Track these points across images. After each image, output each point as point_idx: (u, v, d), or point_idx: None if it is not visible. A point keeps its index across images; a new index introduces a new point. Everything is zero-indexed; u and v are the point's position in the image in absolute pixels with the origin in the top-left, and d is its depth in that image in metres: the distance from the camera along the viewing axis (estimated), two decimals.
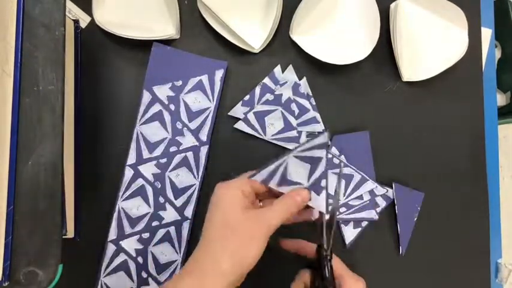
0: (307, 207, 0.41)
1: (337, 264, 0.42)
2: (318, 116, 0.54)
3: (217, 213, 0.38)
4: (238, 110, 0.54)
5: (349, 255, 0.54)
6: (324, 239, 0.41)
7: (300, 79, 0.55)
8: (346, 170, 0.54)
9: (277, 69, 0.55)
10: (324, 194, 0.40)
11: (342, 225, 0.54)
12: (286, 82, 0.54)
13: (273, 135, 0.53)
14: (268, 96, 0.54)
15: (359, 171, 0.54)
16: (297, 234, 0.45)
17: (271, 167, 0.40)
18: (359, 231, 0.54)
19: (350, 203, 0.54)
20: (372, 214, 0.54)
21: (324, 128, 0.54)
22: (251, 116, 0.53)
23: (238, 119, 0.54)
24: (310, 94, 0.55)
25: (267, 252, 0.36)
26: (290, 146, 0.53)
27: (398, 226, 0.55)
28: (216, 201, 0.39)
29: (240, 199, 0.38)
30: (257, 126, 0.53)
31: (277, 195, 0.41)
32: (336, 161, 0.54)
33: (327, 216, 0.41)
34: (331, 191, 0.41)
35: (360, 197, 0.54)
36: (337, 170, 0.53)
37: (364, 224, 0.54)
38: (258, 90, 0.55)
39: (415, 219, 0.55)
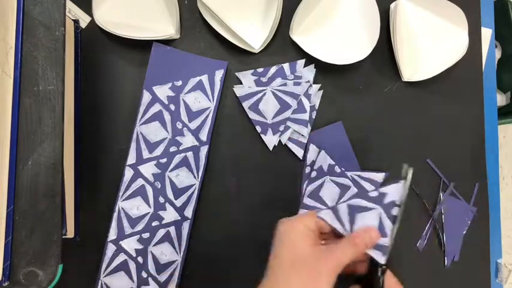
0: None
1: (390, 280, 0.41)
2: (310, 122, 0.55)
3: (284, 249, 0.38)
4: (246, 76, 0.55)
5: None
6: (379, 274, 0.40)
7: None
8: (343, 181, 0.54)
9: (301, 62, 0.55)
10: (385, 248, 0.40)
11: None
12: (301, 77, 0.54)
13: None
14: (280, 81, 0.54)
15: (349, 173, 0.54)
16: None
17: (339, 206, 0.40)
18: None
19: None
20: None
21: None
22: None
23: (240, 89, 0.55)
24: (316, 107, 0.55)
25: None
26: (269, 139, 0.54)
27: (444, 238, 0.55)
28: (282, 237, 0.38)
29: (306, 235, 0.38)
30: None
31: (340, 236, 0.40)
32: (337, 169, 0.54)
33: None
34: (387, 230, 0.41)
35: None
36: (337, 178, 0.53)
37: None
38: (273, 69, 0.55)
39: (464, 232, 0.56)
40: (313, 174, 0.54)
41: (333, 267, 0.36)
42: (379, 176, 0.53)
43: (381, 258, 0.39)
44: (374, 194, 0.41)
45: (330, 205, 0.53)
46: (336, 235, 0.41)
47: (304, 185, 0.54)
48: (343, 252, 0.37)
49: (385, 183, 0.41)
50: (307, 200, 0.53)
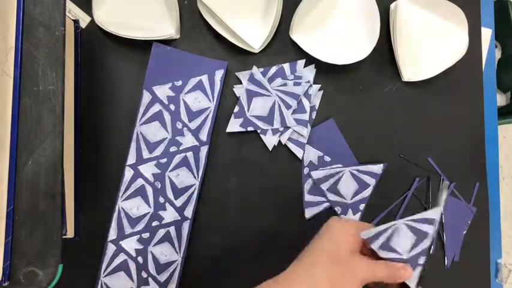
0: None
1: None
2: (310, 122, 0.55)
3: (327, 242, 0.39)
4: (246, 76, 0.55)
5: None
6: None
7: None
8: (335, 170, 0.55)
9: (301, 62, 0.56)
10: (418, 271, 0.39)
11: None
12: (301, 77, 0.54)
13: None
14: (281, 82, 0.54)
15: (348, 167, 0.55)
16: None
17: (382, 227, 0.39)
18: None
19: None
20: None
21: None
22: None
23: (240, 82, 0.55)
24: (316, 108, 0.55)
25: None
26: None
27: (444, 238, 0.55)
28: (329, 231, 0.39)
29: (352, 239, 0.38)
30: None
31: (377, 256, 0.40)
32: (327, 158, 0.55)
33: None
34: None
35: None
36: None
37: None
38: (273, 69, 0.55)
39: (464, 232, 0.56)
40: (306, 170, 0.54)
41: (366, 275, 0.37)
42: (377, 168, 0.54)
43: (413, 283, 0.40)
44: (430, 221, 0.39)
45: (329, 197, 0.54)
46: (373, 254, 0.41)
47: (304, 184, 0.54)
48: (378, 268, 0.38)
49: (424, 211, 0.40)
50: (307, 197, 0.54)
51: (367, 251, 0.41)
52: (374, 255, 0.40)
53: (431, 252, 0.55)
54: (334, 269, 0.37)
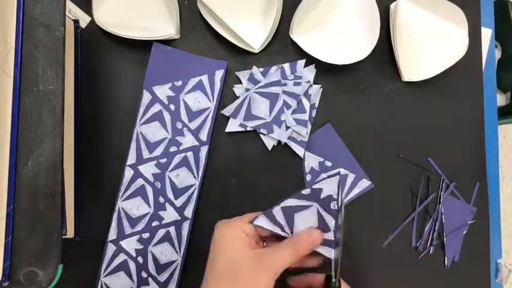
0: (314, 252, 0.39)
1: None
2: (310, 121, 0.55)
3: (219, 254, 0.36)
4: (246, 76, 0.55)
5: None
6: (332, 272, 0.39)
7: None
8: (342, 171, 0.55)
9: (301, 62, 0.56)
10: (332, 242, 0.39)
11: None
12: (301, 77, 0.54)
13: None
14: (281, 82, 0.54)
15: (348, 169, 0.55)
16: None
17: (274, 210, 0.40)
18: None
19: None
20: None
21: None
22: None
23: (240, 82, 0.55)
24: (316, 106, 0.55)
25: None
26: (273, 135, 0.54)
27: (444, 238, 0.55)
28: (218, 241, 0.37)
29: (243, 239, 0.36)
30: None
31: (281, 238, 0.39)
32: (327, 163, 0.55)
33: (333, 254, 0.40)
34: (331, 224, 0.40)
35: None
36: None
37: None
38: (273, 69, 0.55)
39: (464, 232, 0.56)
40: (308, 177, 0.54)
41: (272, 270, 0.34)
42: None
43: (330, 253, 0.39)
44: (307, 191, 0.41)
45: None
46: (277, 237, 0.40)
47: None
48: (283, 255, 0.35)
49: (320, 180, 0.41)
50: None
51: (269, 239, 0.39)
52: (279, 237, 0.39)
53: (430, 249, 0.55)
54: (232, 282, 0.34)
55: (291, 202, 0.41)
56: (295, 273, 0.43)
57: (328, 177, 0.41)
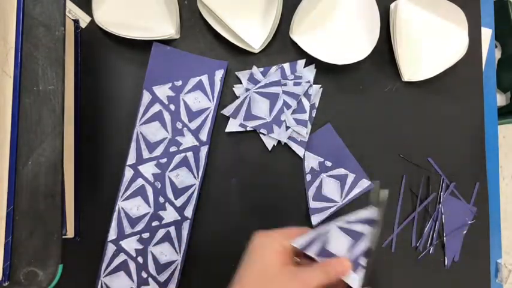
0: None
1: None
2: (310, 121, 0.55)
3: (255, 262, 0.37)
4: (246, 76, 0.55)
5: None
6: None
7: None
8: (342, 171, 0.54)
9: (301, 62, 0.56)
10: (360, 272, 0.37)
11: None
12: (301, 77, 0.54)
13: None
14: (281, 82, 0.54)
15: (348, 170, 0.55)
16: None
17: (314, 234, 0.38)
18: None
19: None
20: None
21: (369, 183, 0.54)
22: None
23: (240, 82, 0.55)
24: (316, 106, 0.55)
25: None
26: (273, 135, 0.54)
27: (444, 238, 0.55)
28: (255, 250, 0.37)
29: (280, 252, 0.37)
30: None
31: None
32: (327, 163, 0.55)
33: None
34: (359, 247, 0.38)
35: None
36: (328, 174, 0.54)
37: None
38: (273, 69, 0.55)
39: (464, 232, 0.56)
40: (308, 177, 0.54)
41: (304, 286, 0.35)
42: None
43: (355, 280, 0.37)
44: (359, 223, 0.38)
45: (336, 199, 0.54)
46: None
47: (308, 192, 0.54)
48: (312, 276, 0.35)
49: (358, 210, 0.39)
50: (312, 204, 0.54)
51: (304, 257, 0.39)
52: (313, 261, 0.38)
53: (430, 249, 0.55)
54: None
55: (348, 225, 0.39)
56: None
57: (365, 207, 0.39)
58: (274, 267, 0.36)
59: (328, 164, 0.54)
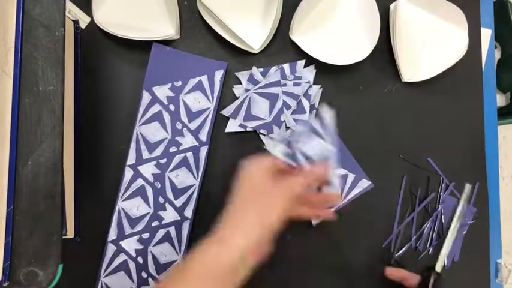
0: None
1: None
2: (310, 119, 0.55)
3: (245, 181, 0.41)
4: (246, 76, 0.55)
5: None
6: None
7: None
8: (342, 171, 0.54)
9: (301, 62, 0.56)
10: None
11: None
12: (301, 77, 0.54)
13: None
14: (280, 82, 0.54)
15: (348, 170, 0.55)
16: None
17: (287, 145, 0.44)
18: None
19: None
20: None
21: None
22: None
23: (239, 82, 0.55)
24: (316, 106, 0.55)
25: None
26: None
27: (444, 238, 0.55)
28: (244, 173, 0.41)
29: (266, 171, 0.41)
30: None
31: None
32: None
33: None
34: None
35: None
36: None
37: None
38: (273, 70, 0.55)
39: (464, 232, 0.56)
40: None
41: (286, 191, 0.40)
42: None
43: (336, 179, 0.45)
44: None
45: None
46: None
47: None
48: (295, 180, 0.41)
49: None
50: None
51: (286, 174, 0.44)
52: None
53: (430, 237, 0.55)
54: (256, 200, 0.39)
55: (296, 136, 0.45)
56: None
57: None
58: (262, 180, 0.40)
59: None
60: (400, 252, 0.55)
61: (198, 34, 0.56)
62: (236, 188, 0.41)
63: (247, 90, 0.54)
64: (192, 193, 0.53)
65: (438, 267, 0.50)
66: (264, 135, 0.54)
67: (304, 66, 0.56)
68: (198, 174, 0.53)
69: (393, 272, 0.50)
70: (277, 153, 0.44)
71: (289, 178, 0.41)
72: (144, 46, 0.54)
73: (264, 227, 0.38)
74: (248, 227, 0.38)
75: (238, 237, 0.37)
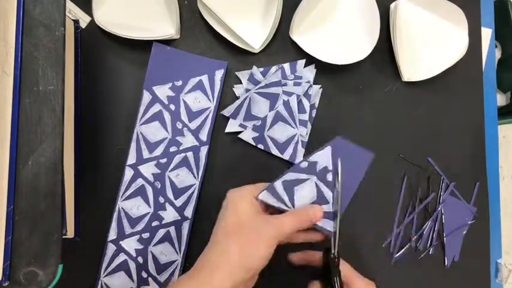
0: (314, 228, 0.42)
1: (346, 269, 0.42)
2: (310, 121, 0.54)
3: (230, 214, 0.39)
4: (246, 76, 0.55)
5: None
6: (332, 244, 0.41)
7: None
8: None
9: (301, 62, 0.55)
10: (331, 205, 0.41)
11: None
12: (301, 77, 0.54)
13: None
14: (281, 82, 0.54)
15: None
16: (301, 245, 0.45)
17: (275, 185, 0.41)
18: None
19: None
20: None
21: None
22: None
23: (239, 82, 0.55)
24: (316, 106, 0.55)
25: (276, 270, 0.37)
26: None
27: (444, 238, 0.55)
28: (228, 205, 0.39)
29: (252, 203, 0.39)
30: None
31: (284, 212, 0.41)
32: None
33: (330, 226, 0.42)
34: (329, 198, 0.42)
35: None
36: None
37: None
38: (273, 69, 0.55)
39: (464, 232, 0.56)
40: (304, 164, 0.45)
41: (274, 231, 0.37)
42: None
43: (330, 225, 0.41)
44: (304, 164, 0.42)
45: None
46: (281, 211, 0.42)
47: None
48: (286, 222, 0.38)
49: (312, 152, 0.43)
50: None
51: (274, 211, 0.42)
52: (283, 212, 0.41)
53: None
54: (240, 236, 0.37)
55: (290, 176, 0.42)
56: (295, 250, 0.46)
57: (321, 148, 0.42)
58: (248, 215, 0.38)
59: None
60: (400, 252, 0.55)
61: (198, 34, 0.56)
62: (219, 220, 0.39)
63: (247, 90, 0.54)
64: (192, 193, 0.53)
65: (331, 227, 0.42)
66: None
67: (305, 66, 0.56)
68: (198, 174, 0.53)
69: (298, 256, 0.45)
70: (263, 198, 0.41)
71: (278, 217, 0.38)
72: (144, 46, 0.54)
73: (247, 270, 0.36)
74: (229, 267, 0.35)
75: (218, 280, 0.35)
